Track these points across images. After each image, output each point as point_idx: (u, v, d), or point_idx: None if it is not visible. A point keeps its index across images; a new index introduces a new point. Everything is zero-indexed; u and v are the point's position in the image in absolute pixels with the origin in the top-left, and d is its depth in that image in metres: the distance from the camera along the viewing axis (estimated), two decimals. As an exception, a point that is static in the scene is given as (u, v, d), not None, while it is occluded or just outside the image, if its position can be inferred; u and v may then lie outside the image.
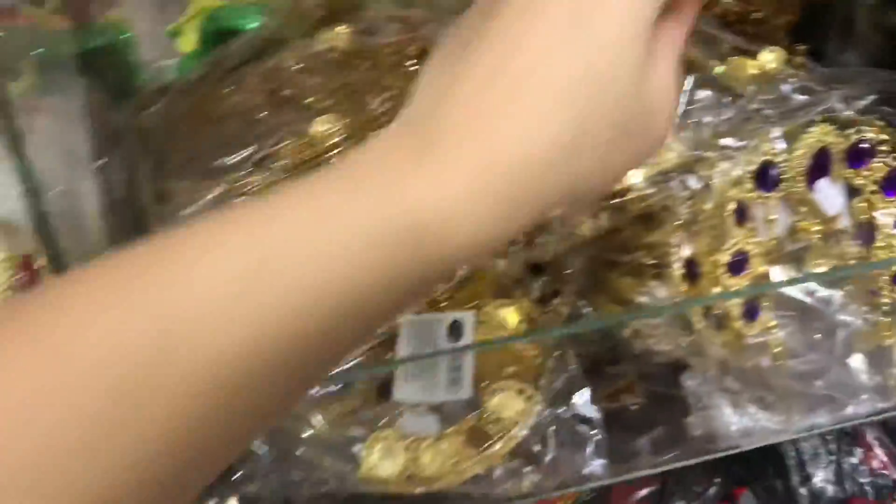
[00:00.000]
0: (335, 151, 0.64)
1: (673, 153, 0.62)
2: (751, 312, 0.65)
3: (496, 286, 0.69)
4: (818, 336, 0.67)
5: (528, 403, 0.64)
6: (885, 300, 0.68)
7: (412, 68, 0.67)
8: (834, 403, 0.69)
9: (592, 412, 0.66)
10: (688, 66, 0.65)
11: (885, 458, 0.98)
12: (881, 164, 0.67)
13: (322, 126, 0.65)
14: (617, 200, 0.66)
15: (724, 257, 0.64)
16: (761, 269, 0.66)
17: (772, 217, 0.66)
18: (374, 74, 0.67)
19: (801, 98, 0.66)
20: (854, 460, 0.97)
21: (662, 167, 0.62)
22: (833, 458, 0.97)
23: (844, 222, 0.68)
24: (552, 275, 0.71)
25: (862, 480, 0.97)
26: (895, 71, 0.70)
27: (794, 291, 0.66)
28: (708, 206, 0.63)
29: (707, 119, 0.64)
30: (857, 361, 0.68)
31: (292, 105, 0.68)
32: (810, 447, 0.97)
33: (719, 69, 0.70)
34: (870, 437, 0.99)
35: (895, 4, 0.79)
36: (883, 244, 0.68)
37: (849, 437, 0.98)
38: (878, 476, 0.97)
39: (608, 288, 0.72)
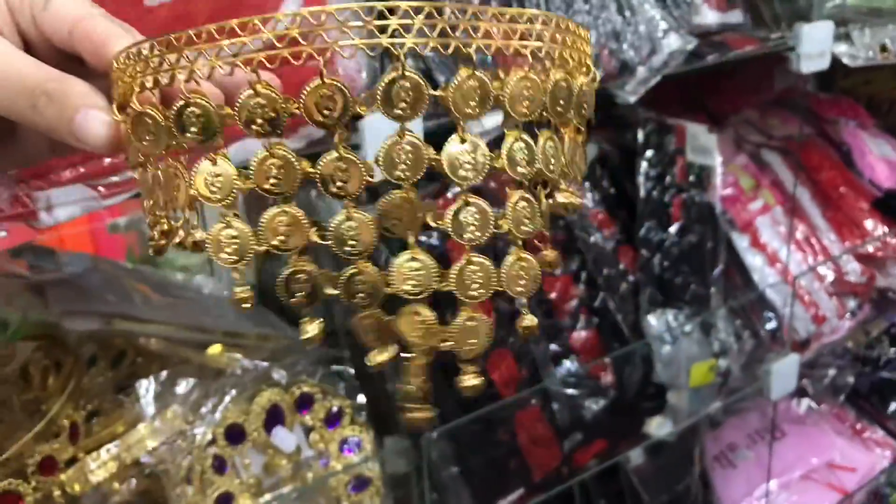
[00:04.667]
0: None
1: (154, 439, 0.85)
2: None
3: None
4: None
5: None
6: (345, 504, 0.93)
7: None
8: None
9: None
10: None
11: None
12: (320, 406, 0.95)
13: None
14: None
15: (210, 501, 0.86)
16: (247, 502, 0.88)
17: (247, 461, 0.90)
18: None
19: (254, 371, 0.93)
20: None
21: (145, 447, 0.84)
22: None
23: (307, 454, 0.94)
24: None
25: None
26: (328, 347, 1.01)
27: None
28: (188, 463, 0.86)
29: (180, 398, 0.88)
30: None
31: None
32: None
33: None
34: None
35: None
36: (339, 465, 0.94)
37: None
38: None
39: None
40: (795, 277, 1.34)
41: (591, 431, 1.10)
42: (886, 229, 1.47)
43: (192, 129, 0.33)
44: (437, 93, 0.34)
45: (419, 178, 0.34)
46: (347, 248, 0.34)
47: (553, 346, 1.10)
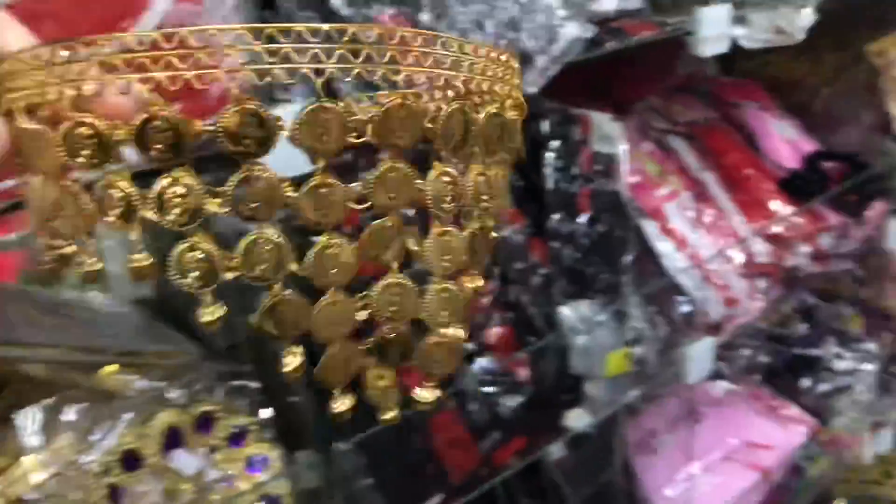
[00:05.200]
0: None
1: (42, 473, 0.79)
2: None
3: None
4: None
5: None
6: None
7: None
8: None
9: None
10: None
11: None
12: (222, 425, 0.90)
13: None
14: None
15: (107, 533, 0.81)
16: (146, 532, 0.83)
17: (145, 489, 0.85)
18: None
19: (149, 392, 0.88)
20: None
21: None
22: None
23: (211, 475, 0.89)
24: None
25: None
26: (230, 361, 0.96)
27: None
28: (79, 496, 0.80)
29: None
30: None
31: None
32: None
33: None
34: None
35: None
36: (246, 485, 0.90)
37: None
38: None
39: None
40: (705, 261, 1.34)
41: (509, 429, 1.08)
42: (792, 209, 1.49)
43: (158, 145, 0.30)
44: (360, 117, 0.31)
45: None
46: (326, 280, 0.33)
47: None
